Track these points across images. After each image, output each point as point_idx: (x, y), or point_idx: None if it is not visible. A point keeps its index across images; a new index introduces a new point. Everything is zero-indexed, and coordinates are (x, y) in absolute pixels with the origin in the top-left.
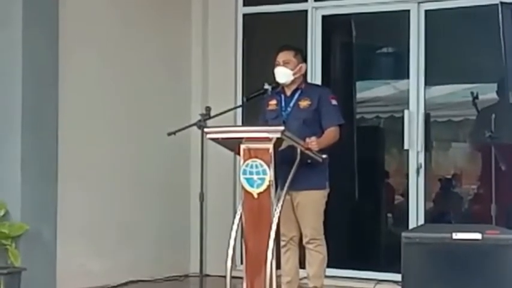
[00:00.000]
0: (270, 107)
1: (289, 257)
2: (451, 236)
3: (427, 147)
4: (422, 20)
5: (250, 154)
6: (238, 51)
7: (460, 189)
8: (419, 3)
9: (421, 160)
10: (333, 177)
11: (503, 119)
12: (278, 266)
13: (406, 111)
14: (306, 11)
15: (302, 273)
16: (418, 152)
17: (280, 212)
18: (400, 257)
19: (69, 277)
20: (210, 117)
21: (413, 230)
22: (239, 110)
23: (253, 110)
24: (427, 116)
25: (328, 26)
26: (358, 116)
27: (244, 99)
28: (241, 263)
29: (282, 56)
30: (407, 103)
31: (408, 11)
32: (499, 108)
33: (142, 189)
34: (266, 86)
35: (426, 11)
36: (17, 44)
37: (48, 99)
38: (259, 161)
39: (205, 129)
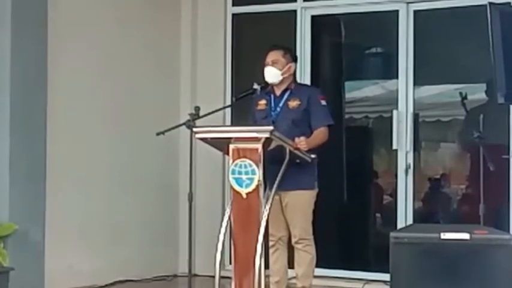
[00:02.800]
0: (260, 107)
1: (278, 257)
2: (440, 236)
3: (416, 147)
4: (411, 20)
5: (239, 154)
6: (228, 51)
7: (449, 189)
8: (408, 3)
9: (410, 160)
10: (321, 178)
11: (491, 120)
12: (267, 266)
13: (394, 111)
14: (295, 11)
15: (291, 273)
16: (406, 152)
17: (268, 212)
18: (389, 257)
19: (58, 277)
20: (199, 117)
21: (402, 229)
22: (228, 110)
23: (242, 110)
24: (415, 116)
25: (318, 26)
26: (347, 116)
27: (233, 99)
28: (230, 263)
29: (270, 56)
30: (396, 103)
31: (397, 11)
32: (488, 108)
33: (131, 189)
34: (255, 86)
35: (415, 11)
36: (5, 44)
37: (36, 99)
38: (248, 161)
39: (194, 129)
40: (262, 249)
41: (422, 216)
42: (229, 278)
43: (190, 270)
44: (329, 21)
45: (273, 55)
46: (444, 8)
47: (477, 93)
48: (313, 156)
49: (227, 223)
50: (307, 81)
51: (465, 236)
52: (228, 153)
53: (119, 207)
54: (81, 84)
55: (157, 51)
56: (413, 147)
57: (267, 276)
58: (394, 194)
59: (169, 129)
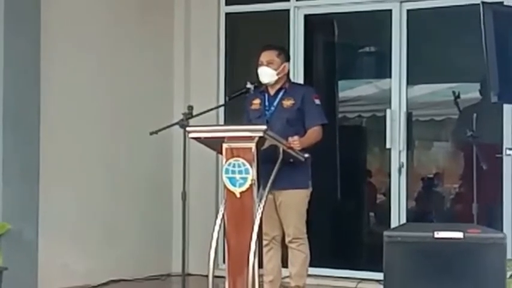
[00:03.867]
0: (254, 106)
1: (272, 256)
2: (433, 235)
3: (409, 147)
4: (404, 19)
5: (233, 153)
6: (221, 50)
7: (442, 188)
8: (401, 2)
9: (403, 159)
10: (315, 177)
11: (484, 119)
12: (260, 265)
13: (388, 111)
14: (288, 10)
15: (284, 272)
16: (400, 151)
17: (262, 211)
18: (382, 256)
19: (51, 277)
20: (192, 116)
21: (395, 229)
22: (221, 109)
23: (235, 109)
24: (409, 115)
25: (311, 25)
26: (340, 115)
27: (227, 99)
28: (224, 262)
29: (265, 56)
30: (390, 102)
31: (390, 10)
32: (481, 107)
33: (125, 188)
34: (248, 85)
35: (408, 11)
36: None
37: (29, 98)
38: (241, 160)
39: (188, 129)
40: (256, 248)
41: (415, 215)
42: (223, 277)
43: (183, 269)
44: (322, 20)
45: (267, 55)
46: (437, 7)
47: (470, 92)
48: (306, 155)
49: (221, 222)
50: (301, 81)
51: (458, 235)
52: (221, 153)
53: (113, 206)
54: (74, 83)
55: (151, 51)
56: (407, 147)
57: (260, 276)
58: (387, 193)
59: (162, 129)
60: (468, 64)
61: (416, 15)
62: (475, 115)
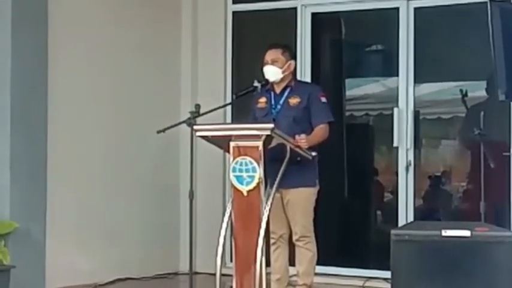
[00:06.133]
0: (260, 105)
1: (279, 255)
2: (441, 233)
3: (417, 145)
4: (411, 17)
5: (240, 152)
6: (228, 48)
7: (449, 186)
8: (408, 0)
9: (411, 157)
10: (322, 175)
11: (492, 117)
12: (268, 264)
13: (395, 109)
14: (296, 8)
15: (292, 270)
16: (407, 150)
17: (269, 210)
18: (390, 254)
19: (58, 275)
20: (199, 115)
21: (403, 227)
22: (228, 108)
23: (243, 107)
24: (416, 114)
25: (318, 23)
26: (347, 114)
27: (234, 97)
28: (231, 260)
29: (270, 55)
30: (397, 100)
31: (397, 8)
32: (488, 105)
33: (132, 187)
34: (255, 84)
35: (415, 9)
36: (5, 44)
37: (37, 98)
38: (248, 159)
39: (195, 127)
40: (263, 247)
41: (423, 214)
42: (230, 275)
43: (191, 268)
44: (329, 18)
45: (272, 53)
46: (444, 5)
47: (478, 90)
48: (313, 154)
49: (228, 221)
50: (308, 79)
51: (466, 233)
52: (228, 151)
53: (120, 205)
54: (81, 84)
55: (158, 49)
56: (414, 145)
57: (268, 274)
58: (395, 192)
59: (169, 127)
60: (475, 62)
61: (423, 13)
62: (482, 113)
